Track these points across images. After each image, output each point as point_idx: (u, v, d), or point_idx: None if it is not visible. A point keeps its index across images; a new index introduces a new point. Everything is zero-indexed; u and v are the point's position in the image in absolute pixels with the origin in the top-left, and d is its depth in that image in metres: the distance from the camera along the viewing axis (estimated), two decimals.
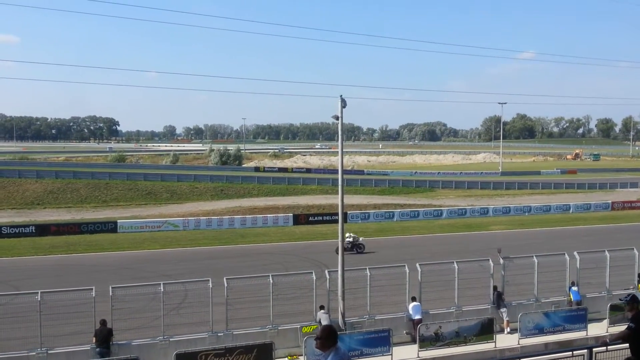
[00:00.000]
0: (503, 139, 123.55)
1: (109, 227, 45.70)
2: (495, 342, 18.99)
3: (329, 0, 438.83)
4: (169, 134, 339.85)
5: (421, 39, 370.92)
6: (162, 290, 18.06)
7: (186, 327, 19.17)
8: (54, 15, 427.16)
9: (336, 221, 26.40)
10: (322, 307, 19.29)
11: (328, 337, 5.86)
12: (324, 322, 18.73)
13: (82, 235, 43.92)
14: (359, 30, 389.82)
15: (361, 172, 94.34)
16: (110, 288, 17.52)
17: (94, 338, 16.82)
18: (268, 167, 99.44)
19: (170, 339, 17.86)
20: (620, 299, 10.24)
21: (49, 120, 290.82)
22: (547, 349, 18.92)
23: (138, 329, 18.99)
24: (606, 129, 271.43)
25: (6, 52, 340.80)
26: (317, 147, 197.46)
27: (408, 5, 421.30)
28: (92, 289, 17.29)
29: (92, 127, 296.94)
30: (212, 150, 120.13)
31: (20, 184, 65.58)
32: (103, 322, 16.93)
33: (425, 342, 18.36)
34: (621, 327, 10.45)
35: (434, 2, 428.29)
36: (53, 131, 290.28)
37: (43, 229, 44.51)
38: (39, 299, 16.72)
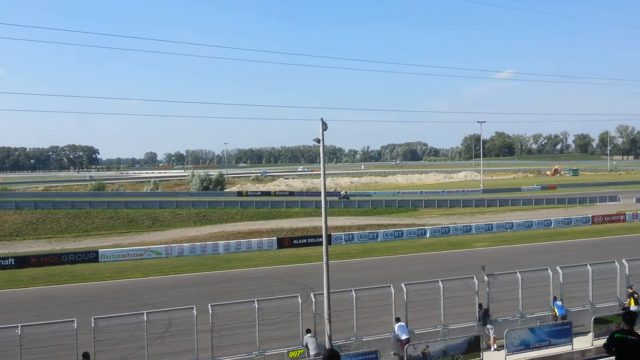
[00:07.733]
0: (483, 156, 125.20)
1: (90, 256, 45.04)
2: (482, 359, 18.97)
3: (308, 25, 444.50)
4: (150, 161, 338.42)
5: (400, 60, 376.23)
6: (145, 319, 17.81)
7: (171, 356, 18.88)
8: (34, 45, 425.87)
9: (320, 243, 26.31)
10: (308, 331, 19.16)
11: None
12: (311, 346, 18.61)
13: (63, 265, 43.17)
14: (339, 53, 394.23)
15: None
16: (93, 319, 17.23)
17: None
18: (251, 192, 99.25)
19: None
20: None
21: (27, 150, 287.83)
22: None
23: None
24: (584, 144, 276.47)
25: None
26: (299, 170, 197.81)
27: (387, 27, 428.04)
28: (73, 320, 16.98)
29: (71, 156, 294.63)
30: (193, 176, 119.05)
31: None
32: (86, 355, 16.59)
33: None
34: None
35: (413, 23, 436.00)
36: (32, 161, 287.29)
37: (22, 261, 43.73)
38: (19, 333, 16.37)
